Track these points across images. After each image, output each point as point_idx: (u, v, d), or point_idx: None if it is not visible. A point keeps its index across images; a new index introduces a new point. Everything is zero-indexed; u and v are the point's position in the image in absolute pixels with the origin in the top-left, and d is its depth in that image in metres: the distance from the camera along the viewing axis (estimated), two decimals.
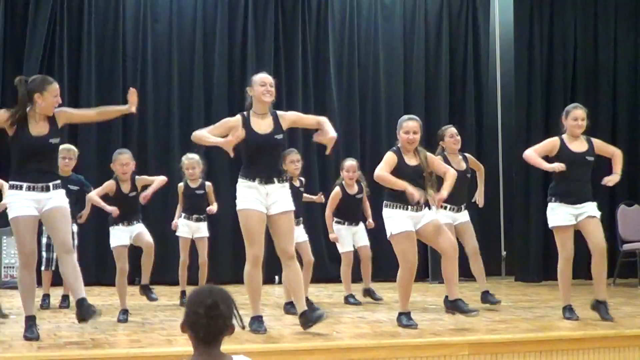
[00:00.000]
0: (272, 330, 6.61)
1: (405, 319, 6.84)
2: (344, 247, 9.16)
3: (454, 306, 7.09)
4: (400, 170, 6.82)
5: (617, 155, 7.70)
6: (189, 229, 9.12)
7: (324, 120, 6.87)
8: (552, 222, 7.43)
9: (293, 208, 6.73)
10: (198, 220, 9.12)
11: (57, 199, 6.23)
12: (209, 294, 3.00)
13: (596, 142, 7.62)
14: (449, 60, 13.38)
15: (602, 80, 13.08)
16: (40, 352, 5.32)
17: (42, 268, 8.45)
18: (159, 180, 7.99)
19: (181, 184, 9.18)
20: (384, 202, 6.98)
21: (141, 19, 12.06)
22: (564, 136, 7.56)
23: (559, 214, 7.36)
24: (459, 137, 8.76)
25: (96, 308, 6.07)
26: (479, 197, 9.04)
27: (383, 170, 6.80)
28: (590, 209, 7.39)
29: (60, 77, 11.39)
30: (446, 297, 7.55)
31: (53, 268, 8.53)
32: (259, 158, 6.55)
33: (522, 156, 7.73)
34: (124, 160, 7.70)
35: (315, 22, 12.89)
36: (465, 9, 13.45)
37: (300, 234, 8.21)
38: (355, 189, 9.21)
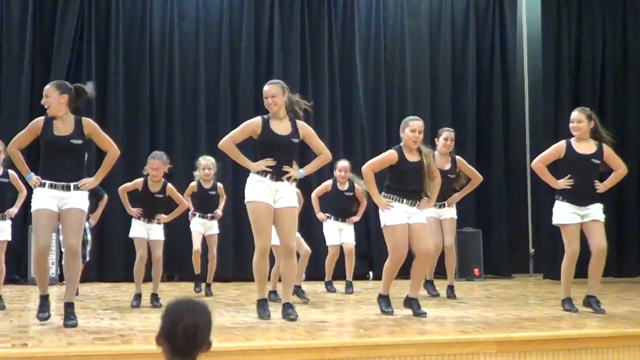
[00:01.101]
0: (299, 326, 6.63)
1: (384, 303, 7.44)
2: (330, 240, 10.02)
3: (408, 304, 7.49)
4: (401, 165, 7.36)
5: (618, 173, 8.00)
6: (204, 227, 9.63)
7: (322, 158, 7.40)
8: (556, 219, 7.84)
9: (297, 205, 7.29)
10: (212, 218, 9.64)
11: (76, 199, 6.68)
12: (187, 310, 2.97)
13: (607, 150, 7.87)
14: (476, 56, 13.33)
15: (631, 76, 12.98)
16: (70, 348, 5.35)
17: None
18: (182, 208, 8.72)
19: (194, 183, 9.63)
20: (382, 193, 7.46)
21: (168, 17, 12.09)
22: (572, 139, 7.85)
23: (564, 212, 7.76)
24: (451, 143, 9.28)
25: (75, 323, 6.52)
26: (455, 197, 9.52)
27: (370, 169, 7.46)
28: (595, 211, 7.76)
29: (88, 76, 11.45)
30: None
31: (87, 259, 9.23)
32: (274, 157, 6.98)
33: (532, 167, 8.17)
34: (154, 164, 8.35)
35: (341, 18, 12.87)
36: (492, 5, 13.39)
37: None
38: (346, 186, 10.08)
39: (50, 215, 6.61)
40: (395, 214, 7.28)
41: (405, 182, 7.36)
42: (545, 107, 12.79)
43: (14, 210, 8.34)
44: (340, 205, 10.10)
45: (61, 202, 6.62)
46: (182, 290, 9.94)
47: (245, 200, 7.07)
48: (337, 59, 12.69)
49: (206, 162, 9.57)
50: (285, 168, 7.01)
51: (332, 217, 10.05)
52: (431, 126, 12.22)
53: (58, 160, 6.65)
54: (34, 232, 6.75)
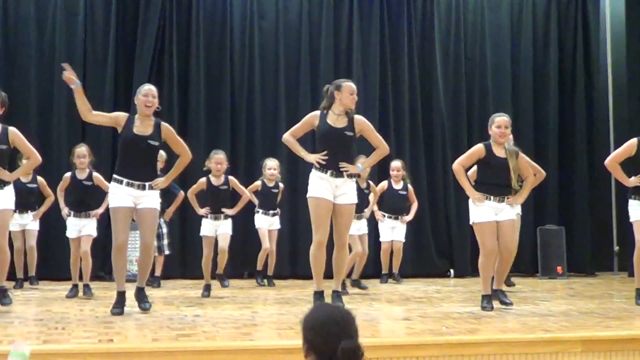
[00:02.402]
0: (381, 324, 6.63)
1: (485, 301, 7.53)
2: (383, 237, 10.82)
3: (494, 296, 7.69)
4: (488, 160, 7.56)
5: None
6: (268, 222, 10.59)
7: (379, 152, 7.63)
8: (633, 216, 7.96)
9: (356, 201, 7.53)
10: (274, 215, 10.64)
11: (150, 199, 7.10)
12: (343, 329, 2.94)
13: None
14: (558, 50, 13.16)
15: None
16: (154, 344, 5.42)
17: (155, 254, 9.75)
18: (245, 199, 9.44)
19: (258, 182, 10.53)
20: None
21: (248, 16, 12.19)
22: None
23: (636, 209, 7.90)
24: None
25: (148, 305, 7.14)
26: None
27: (460, 165, 7.65)
28: None
29: (170, 75, 11.65)
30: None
31: (167, 252, 10.51)
32: (331, 151, 7.24)
33: (605, 165, 8.17)
34: (218, 159, 9.03)
35: (421, 14, 12.82)
36: None
37: (362, 227, 9.66)
38: (401, 185, 10.79)
39: (128, 211, 7.05)
40: (483, 211, 7.49)
41: (492, 177, 7.54)
42: (630, 102, 12.55)
43: (99, 211, 8.91)
44: (395, 203, 10.80)
45: (137, 200, 7.04)
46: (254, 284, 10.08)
47: (307, 194, 7.37)
48: (417, 55, 12.65)
49: (272, 163, 10.51)
50: (342, 164, 7.25)
51: (386, 215, 10.77)
52: (513, 123, 12.09)
53: (135, 159, 7.03)
54: (113, 228, 7.12)
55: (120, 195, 7.00)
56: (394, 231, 10.81)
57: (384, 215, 10.75)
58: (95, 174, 8.86)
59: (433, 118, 12.61)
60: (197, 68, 11.87)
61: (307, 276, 11.05)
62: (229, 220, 9.16)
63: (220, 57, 12.03)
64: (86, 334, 5.83)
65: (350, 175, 7.33)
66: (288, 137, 7.58)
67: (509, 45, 13.08)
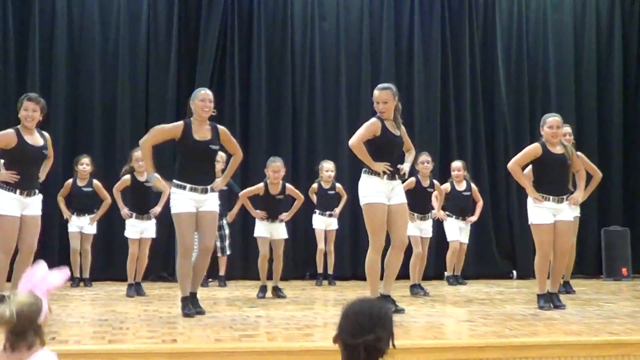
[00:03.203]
0: (444, 326, 6.60)
1: (542, 301, 7.68)
2: (451, 236, 10.77)
3: (550, 299, 7.73)
4: (545, 158, 7.65)
5: None
6: (324, 223, 10.85)
7: (413, 152, 7.83)
8: None
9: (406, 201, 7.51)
10: (330, 216, 10.83)
11: (211, 202, 7.18)
12: (371, 324, 2.93)
13: None
14: (622, 49, 12.96)
15: None
16: (218, 344, 5.45)
17: (218, 254, 10.32)
18: (300, 201, 9.30)
19: (315, 185, 10.91)
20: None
21: (309, 18, 12.22)
22: None
23: None
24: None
25: (201, 310, 7.06)
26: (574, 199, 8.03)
27: (516, 164, 7.78)
28: None
29: (232, 77, 11.72)
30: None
31: (228, 252, 10.63)
32: (390, 156, 7.29)
33: None
34: (276, 167, 8.94)
35: (482, 14, 12.74)
36: None
37: (426, 229, 9.56)
38: (464, 186, 10.87)
39: (192, 216, 7.07)
40: (542, 213, 7.58)
41: (550, 175, 7.63)
42: None
43: (157, 210, 9.14)
44: (459, 204, 10.83)
45: (199, 204, 7.09)
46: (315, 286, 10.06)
47: (362, 202, 7.31)
48: (479, 55, 12.57)
49: (329, 165, 10.82)
50: (400, 167, 7.33)
51: (453, 216, 10.77)
52: (576, 123, 11.98)
53: (198, 164, 7.11)
54: (179, 234, 7.11)
55: (184, 200, 7.03)
56: (461, 232, 10.84)
57: (450, 216, 10.74)
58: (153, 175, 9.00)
59: (495, 118, 12.52)
60: (259, 70, 11.92)
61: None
62: (283, 224, 9.13)
63: (282, 59, 12.07)
64: (150, 334, 5.90)
65: (400, 177, 7.41)
66: (358, 144, 7.27)
67: (572, 44, 12.93)
